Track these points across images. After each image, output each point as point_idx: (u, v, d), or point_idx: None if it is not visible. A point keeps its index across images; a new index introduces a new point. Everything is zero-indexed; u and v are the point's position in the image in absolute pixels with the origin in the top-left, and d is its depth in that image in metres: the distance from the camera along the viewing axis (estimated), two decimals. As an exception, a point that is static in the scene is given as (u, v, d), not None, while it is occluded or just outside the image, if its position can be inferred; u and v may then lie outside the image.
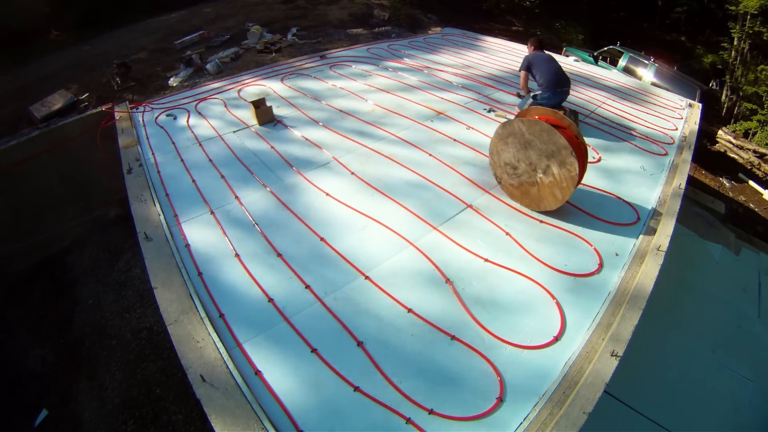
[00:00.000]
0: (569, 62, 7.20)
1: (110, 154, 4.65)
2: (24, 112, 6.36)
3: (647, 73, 8.60)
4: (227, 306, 2.55)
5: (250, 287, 2.68)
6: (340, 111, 4.97)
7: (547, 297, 2.60)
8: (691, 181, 7.05)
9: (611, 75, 6.83)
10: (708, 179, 8.74)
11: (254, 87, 5.81)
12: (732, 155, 9.62)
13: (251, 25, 9.30)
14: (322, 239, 3.04)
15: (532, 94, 4.44)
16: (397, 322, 2.45)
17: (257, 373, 2.17)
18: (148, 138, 4.56)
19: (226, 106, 5.25)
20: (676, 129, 4.84)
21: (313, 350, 2.28)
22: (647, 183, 3.77)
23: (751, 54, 11.01)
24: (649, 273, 2.75)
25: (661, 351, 3.57)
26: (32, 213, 5.63)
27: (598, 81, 6.20)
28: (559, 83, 4.35)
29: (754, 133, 10.15)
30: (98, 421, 3.83)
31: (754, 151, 9.35)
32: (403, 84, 5.74)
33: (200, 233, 3.15)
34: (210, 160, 4.09)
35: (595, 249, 2.97)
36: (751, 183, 8.85)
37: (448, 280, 2.70)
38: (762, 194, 8.53)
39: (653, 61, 8.72)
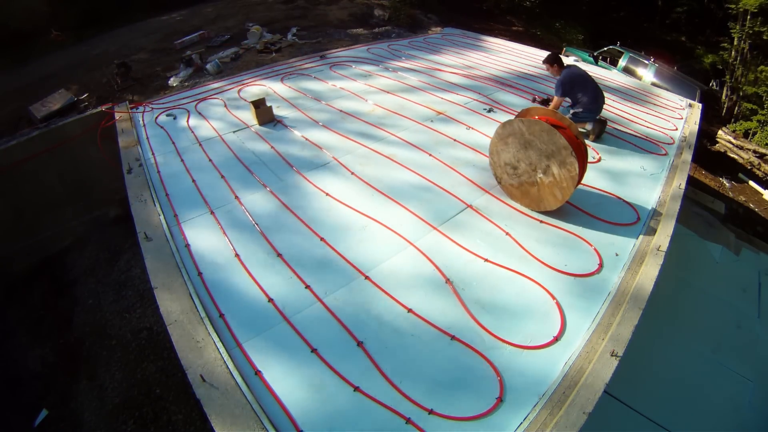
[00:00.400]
0: (569, 62, 7.20)
1: (110, 154, 4.65)
2: (24, 112, 6.36)
3: (647, 73, 8.60)
4: (227, 306, 2.55)
5: (250, 287, 2.68)
6: (340, 111, 4.97)
7: (547, 297, 2.60)
8: (691, 181, 7.06)
9: (611, 75, 6.83)
10: (708, 179, 8.74)
11: (254, 87, 5.81)
12: (732, 155, 9.62)
13: (251, 25, 9.30)
14: (322, 239, 3.04)
15: (573, 112, 4.35)
16: (397, 322, 2.45)
17: (257, 373, 2.17)
18: (148, 138, 4.56)
19: (226, 106, 5.25)
20: (676, 129, 4.84)
21: (313, 350, 2.28)
22: (647, 183, 3.77)
23: (751, 54, 11.01)
24: (649, 273, 2.75)
25: (661, 351, 3.58)
26: (32, 213, 5.63)
27: (598, 81, 6.18)
28: (600, 99, 4.34)
29: (754, 133, 10.15)
30: (98, 421, 3.83)
31: (754, 151, 9.35)
32: (403, 84, 5.74)
33: (200, 233, 3.15)
34: (210, 160, 4.09)
35: (595, 249, 2.97)
36: (751, 183, 8.85)
37: (448, 281, 2.70)
38: (762, 194, 8.53)
39: (653, 61, 8.72)
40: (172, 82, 7.12)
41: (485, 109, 4.97)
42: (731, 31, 11.18)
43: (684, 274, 4.40)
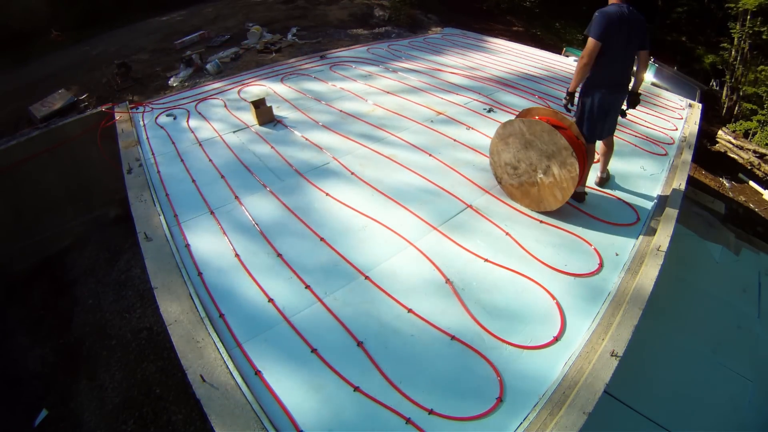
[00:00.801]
0: (569, 62, 7.20)
1: (110, 154, 4.65)
2: (24, 112, 6.36)
3: (647, 73, 8.60)
4: (227, 306, 2.55)
5: (250, 287, 2.68)
6: (341, 111, 4.97)
7: (547, 297, 2.60)
8: (691, 181, 7.05)
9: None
10: (708, 179, 8.74)
11: (254, 87, 5.82)
12: (732, 155, 9.61)
13: (251, 25, 9.30)
14: (322, 239, 3.04)
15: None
16: (397, 322, 2.45)
17: (257, 373, 2.17)
18: (148, 138, 4.56)
19: (226, 106, 5.25)
20: (676, 129, 4.84)
21: (313, 350, 2.28)
22: (647, 183, 3.77)
23: (751, 54, 11.01)
24: (649, 273, 2.75)
25: (661, 351, 3.57)
26: (32, 213, 5.63)
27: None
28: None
29: (754, 133, 10.15)
30: (98, 421, 3.83)
31: (754, 151, 9.35)
32: (403, 84, 5.74)
33: (200, 233, 3.15)
34: (210, 160, 4.09)
35: (595, 249, 2.97)
36: (751, 183, 8.84)
37: (448, 281, 2.70)
38: (762, 194, 8.53)
39: (653, 61, 8.71)
40: (172, 82, 7.13)
41: (485, 110, 4.97)
42: (731, 31, 11.18)
43: (684, 274, 4.40)
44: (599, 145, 3.46)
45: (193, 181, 3.78)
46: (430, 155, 4.06)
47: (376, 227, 3.17)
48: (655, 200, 3.52)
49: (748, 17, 10.52)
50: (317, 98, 5.35)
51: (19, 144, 5.41)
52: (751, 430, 3.26)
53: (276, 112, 4.91)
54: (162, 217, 3.28)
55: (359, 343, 2.32)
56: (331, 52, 7.27)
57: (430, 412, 2.00)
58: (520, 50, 7.58)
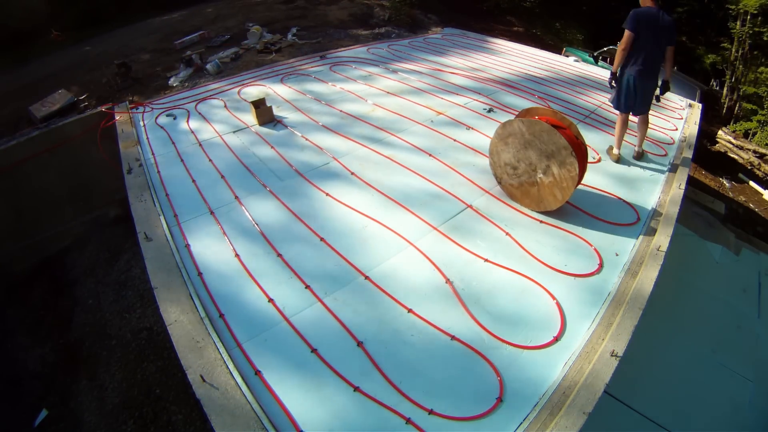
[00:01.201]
0: (569, 62, 7.20)
1: (110, 154, 4.65)
2: (24, 112, 6.36)
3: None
4: (227, 306, 2.55)
5: (250, 287, 2.68)
6: (340, 111, 4.97)
7: (547, 297, 2.60)
8: (691, 181, 7.05)
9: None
10: (708, 179, 8.74)
11: (254, 87, 5.82)
12: (732, 155, 9.61)
13: (251, 25, 9.30)
14: (322, 239, 3.04)
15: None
16: (397, 322, 2.45)
17: (257, 373, 2.17)
18: (148, 138, 4.56)
19: (226, 106, 5.25)
20: (676, 129, 4.84)
21: (313, 350, 2.28)
22: (647, 183, 3.77)
23: (751, 54, 11.01)
24: (649, 273, 2.75)
25: (661, 351, 3.57)
26: (32, 213, 5.63)
27: (598, 81, 6.20)
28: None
29: (754, 134, 10.16)
30: (98, 421, 3.83)
31: (754, 152, 9.35)
32: (402, 85, 5.74)
33: (200, 233, 3.15)
34: (210, 160, 4.09)
35: (595, 249, 2.97)
36: (751, 183, 8.85)
37: (448, 281, 2.70)
38: (762, 194, 8.53)
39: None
40: (172, 82, 7.12)
41: (485, 110, 4.97)
42: (731, 31, 11.19)
43: (684, 274, 4.40)
44: (637, 119, 4.08)
45: (193, 181, 3.78)
46: (430, 155, 4.06)
47: (376, 227, 3.17)
48: (655, 200, 3.52)
49: (748, 17, 10.53)
50: (317, 98, 5.35)
51: (19, 144, 5.41)
52: (751, 430, 3.26)
53: (276, 112, 4.91)
54: (162, 217, 3.28)
55: (359, 343, 2.32)
56: (331, 52, 7.27)
57: (430, 412, 2.00)
58: (521, 50, 7.58)
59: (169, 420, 3.74)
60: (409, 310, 2.51)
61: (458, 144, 4.27)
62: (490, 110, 4.95)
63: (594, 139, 4.41)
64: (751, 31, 10.59)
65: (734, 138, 9.82)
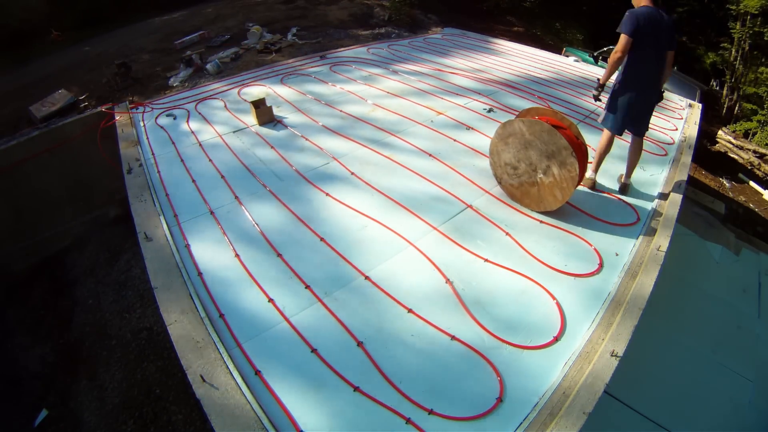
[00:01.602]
0: (569, 62, 7.20)
1: (110, 154, 4.65)
2: (24, 112, 6.36)
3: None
4: (227, 306, 2.55)
5: (250, 287, 2.68)
6: (341, 111, 4.97)
7: (547, 297, 2.60)
8: (691, 181, 7.06)
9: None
10: (708, 179, 8.74)
11: (254, 87, 5.82)
12: (732, 155, 9.61)
13: (251, 25, 9.30)
14: (322, 239, 3.04)
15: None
16: (397, 322, 2.45)
17: (257, 373, 2.17)
18: (148, 138, 4.56)
19: (226, 106, 5.25)
20: (676, 129, 4.84)
21: (313, 350, 2.28)
22: (647, 183, 3.77)
23: (751, 54, 11.01)
24: (649, 273, 2.75)
25: (661, 351, 3.58)
26: (32, 213, 5.63)
27: (597, 81, 6.18)
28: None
29: (754, 134, 10.16)
30: (98, 421, 3.83)
31: (754, 152, 9.35)
32: (402, 85, 5.74)
33: (200, 233, 3.15)
34: (210, 160, 4.09)
35: (595, 249, 2.97)
36: (752, 183, 8.84)
37: (448, 281, 2.70)
38: (762, 194, 8.53)
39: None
40: (172, 82, 7.12)
41: (485, 110, 4.97)
42: (731, 31, 11.19)
43: (684, 274, 4.40)
44: (630, 141, 3.54)
45: (193, 181, 3.78)
46: (430, 155, 4.06)
47: (376, 227, 3.17)
48: (655, 200, 3.52)
49: (748, 18, 10.53)
50: (317, 98, 5.35)
51: (19, 144, 5.41)
52: (751, 430, 3.26)
53: (276, 112, 4.91)
54: (162, 217, 3.28)
55: (359, 343, 2.32)
56: (331, 52, 7.27)
57: (430, 412, 2.00)
58: (521, 50, 7.58)
59: (169, 420, 3.74)
60: (409, 310, 2.51)
61: (458, 144, 4.27)
62: (490, 110, 4.95)
63: (594, 140, 4.40)
64: (751, 32, 10.59)
65: (734, 138, 9.82)
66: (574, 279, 2.74)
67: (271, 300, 2.58)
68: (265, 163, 4.02)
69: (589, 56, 9.49)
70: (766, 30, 10.34)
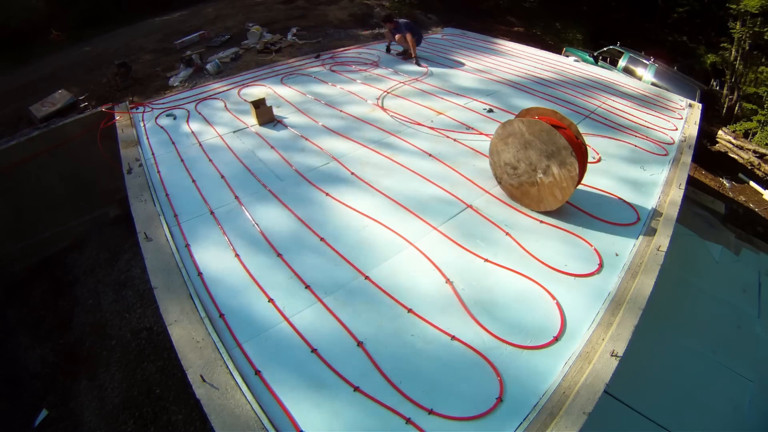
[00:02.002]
0: (569, 62, 7.20)
1: (110, 154, 4.66)
2: (24, 112, 6.37)
3: (647, 74, 8.60)
4: (227, 306, 2.55)
5: (250, 287, 2.68)
6: (340, 112, 4.97)
7: (547, 297, 2.60)
8: (691, 181, 7.06)
9: (611, 75, 6.83)
10: (708, 179, 8.74)
11: (254, 87, 5.82)
12: (732, 155, 9.61)
13: (251, 25, 9.30)
14: (322, 239, 3.04)
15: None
16: (397, 322, 2.45)
17: (257, 373, 2.17)
18: (148, 138, 4.56)
19: (226, 106, 5.25)
20: (676, 129, 4.84)
21: (313, 350, 2.28)
22: (647, 183, 3.77)
23: (751, 54, 11.01)
24: (649, 273, 2.75)
25: (661, 351, 3.58)
26: (32, 213, 5.63)
27: (598, 81, 6.20)
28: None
29: (754, 134, 10.16)
30: (98, 421, 3.83)
31: (754, 152, 9.35)
32: (402, 85, 5.74)
33: (200, 233, 3.15)
34: (210, 160, 4.09)
35: (595, 249, 2.97)
36: (752, 183, 8.85)
37: (448, 281, 2.70)
38: (762, 194, 8.53)
39: (653, 61, 8.72)
40: (172, 82, 7.13)
41: (485, 110, 4.97)
42: (731, 31, 11.19)
43: (684, 274, 4.40)
44: None
45: (194, 181, 3.78)
46: (430, 155, 4.06)
47: (376, 227, 3.17)
48: (655, 200, 3.52)
49: (748, 17, 10.53)
50: (317, 98, 5.35)
51: (19, 144, 5.42)
52: (751, 430, 3.26)
53: (276, 112, 4.91)
54: (162, 217, 3.28)
55: (359, 343, 2.32)
56: (331, 52, 7.27)
57: (430, 412, 2.00)
58: (521, 50, 7.58)
59: (169, 420, 3.74)
60: (409, 310, 2.51)
61: (458, 144, 4.27)
62: (489, 110, 4.95)
63: (594, 140, 4.41)
64: (751, 32, 10.59)
65: (734, 138, 9.82)
66: (574, 279, 2.74)
67: (271, 300, 2.58)
68: (265, 163, 4.02)
69: (589, 56, 9.49)
70: (766, 30, 10.34)
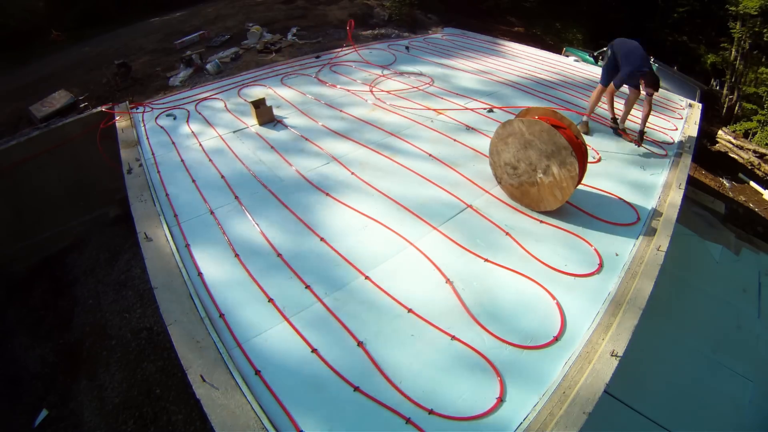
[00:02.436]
0: (569, 62, 7.20)
1: (110, 154, 4.66)
2: (24, 112, 6.36)
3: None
4: (227, 306, 2.55)
5: (250, 287, 2.68)
6: (340, 112, 4.97)
7: (547, 297, 2.60)
8: (691, 181, 7.05)
9: (611, 75, 6.81)
10: (708, 179, 8.74)
11: (254, 87, 5.81)
12: (732, 155, 9.61)
13: (251, 25, 9.30)
14: (322, 239, 3.04)
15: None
16: (397, 322, 2.45)
17: (257, 373, 2.17)
18: (148, 138, 4.56)
19: (226, 106, 5.25)
20: (676, 129, 4.84)
21: (313, 350, 2.28)
22: (647, 183, 3.77)
23: (751, 54, 11.02)
24: (649, 273, 2.75)
25: (661, 351, 3.58)
26: (32, 213, 5.63)
27: (598, 81, 6.19)
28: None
29: (754, 133, 10.17)
30: (98, 421, 3.83)
31: (754, 151, 9.35)
32: (402, 84, 5.74)
33: (200, 233, 3.15)
34: (210, 160, 4.09)
35: (595, 249, 2.97)
36: (752, 183, 8.85)
37: (448, 281, 2.70)
38: (762, 194, 8.53)
39: (653, 61, 8.71)
40: (172, 82, 7.12)
41: (485, 110, 4.97)
42: (731, 31, 11.19)
43: (684, 274, 4.40)
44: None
45: (193, 181, 3.78)
46: (430, 155, 4.06)
47: (376, 227, 3.17)
48: (655, 200, 3.52)
49: (748, 18, 10.53)
50: (317, 98, 5.35)
51: (19, 144, 5.42)
52: (751, 430, 3.26)
53: (276, 112, 4.91)
54: (162, 217, 3.28)
55: (359, 343, 2.32)
56: (331, 52, 7.27)
57: (430, 412, 2.00)
58: (521, 50, 7.58)
59: (169, 420, 3.74)
60: (409, 310, 2.51)
61: (458, 144, 4.27)
62: (490, 110, 4.95)
63: (593, 139, 4.41)
64: (751, 32, 10.59)
65: (734, 138, 9.82)
66: (574, 279, 2.74)
67: (271, 300, 2.58)
68: (265, 163, 4.02)
69: (589, 56, 9.49)
70: (766, 30, 10.34)
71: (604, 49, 9.59)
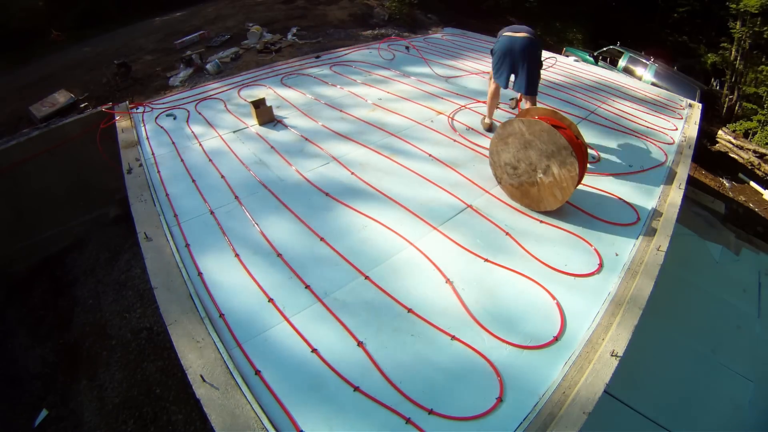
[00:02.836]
0: (569, 62, 7.20)
1: (110, 154, 4.66)
2: (24, 112, 6.37)
3: (647, 74, 8.60)
4: (227, 306, 2.55)
5: (251, 287, 2.68)
6: (341, 111, 4.97)
7: (547, 297, 2.60)
8: (691, 181, 7.06)
9: (611, 75, 6.83)
10: (708, 179, 8.74)
11: (254, 87, 5.82)
12: (732, 155, 9.61)
13: (251, 25, 9.30)
14: (321, 239, 3.04)
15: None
16: (397, 322, 2.45)
17: (257, 373, 2.17)
18: (148, 138, 4.56)
19: (226, 106, 5.25)
20: (676, 129, 4.84)
21: (313, 350, 2.28)
22: (647, 183, 3.77)
23: (751, 54, 11.01)
24: (649, 273, 2.75)
25: (661, 351, 3.58)
26: (32, 213, 5.64)
27: (598, 81, 6.20)
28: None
29: (754, 133, 10.16)
30: (98, 421, 3.83)
31: (754, 151, 9.35)
32: (402, 84, 5.74)
33: (200, 233, 3.15)
34: (210, 160, 4.09)
35: (595, 249, 2.97)
36: (752, 183, 8.85)
37: (448, 281, 2.70)
38: (762, 194, 8.54)
39: (653, 61, 8.72)
40: (172, 82, 7.13)
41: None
42: (731, 30, 11.19)
43: (684, 274, 4.40)
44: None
45: (193, 181, 3.78)
46: (430, 155, 4.06)
47: (376, 227, 3.17)
48: (655, 200, 3.52)
49: (748, 17, 10.53)
50: (317, 98, 5.35)
51: (19, 144, 5.42)
52: (751, 430, 3.26)
53: (276, 112, 4.91)
54: (162, 217, 3.28)
55: (359, 343, 2.32)
56: (331, 51, 7.27)
57: (430, 412, 2.00)
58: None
59: (169, 420, 3.74)
60: (409, 310, 2.51)
61: (458, 144, 4.27)
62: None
63: (594, 139, 4.41)
64: (751, 31, 10.59)
65: (734, 138, 9.82)
66: (574, 279, 2.74)
67: (271, 300, 2.58)
68: (265, 163, 4.02)
69: (589, 56, 9.50)
70: (766, 29, 10.34)
71: (604, 49, 9.63)
